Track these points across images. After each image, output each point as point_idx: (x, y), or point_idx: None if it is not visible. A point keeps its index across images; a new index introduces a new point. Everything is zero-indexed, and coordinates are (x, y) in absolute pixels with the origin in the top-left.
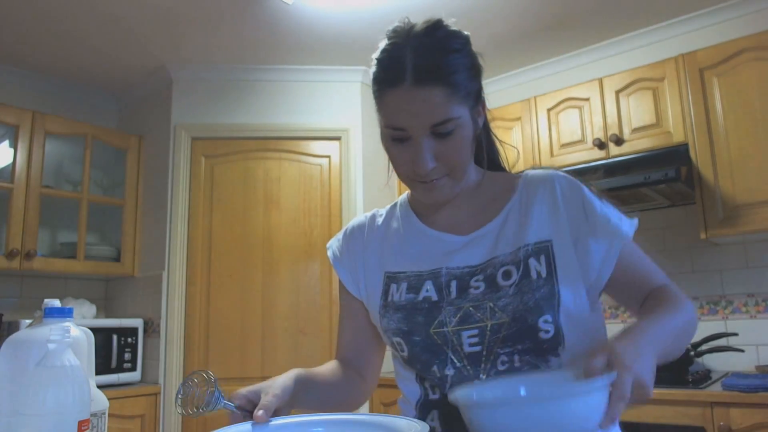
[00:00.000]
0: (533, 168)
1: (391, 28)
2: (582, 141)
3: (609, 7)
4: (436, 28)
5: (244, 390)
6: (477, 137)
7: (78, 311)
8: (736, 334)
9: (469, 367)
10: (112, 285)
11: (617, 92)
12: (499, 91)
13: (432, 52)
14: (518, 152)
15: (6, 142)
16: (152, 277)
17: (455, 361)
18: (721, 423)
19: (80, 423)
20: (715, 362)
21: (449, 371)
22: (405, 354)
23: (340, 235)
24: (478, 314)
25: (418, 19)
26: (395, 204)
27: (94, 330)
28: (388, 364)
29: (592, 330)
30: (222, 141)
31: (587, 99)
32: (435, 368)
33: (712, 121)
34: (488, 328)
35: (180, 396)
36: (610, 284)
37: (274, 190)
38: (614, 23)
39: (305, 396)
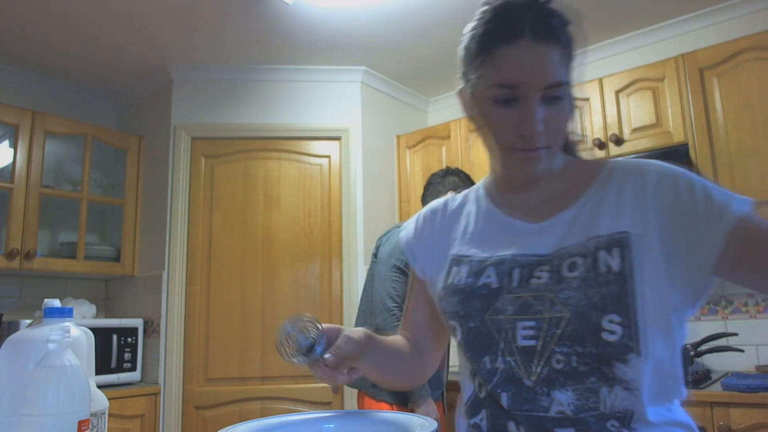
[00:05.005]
0: (620, 158)
1: None
2: (582, 141)
3: (609, 7)
4: None
5: (324, 326)
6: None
7: (78, 311)
8: (736, 334)
9: (520, 362)
10: (112, 285)
11: (617, 92)
12: None
13: (548, 12)
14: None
15: (6, 142)
16: (152, 277)
17: (506, 353)
18: (721, 423)
19: (80, 423)
20: (715, 362)
21: (500, 364)
22: (459, 338)
23: (413, 219)
24: (538, 305)
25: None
26: (471, 190)
27: (94, 330)
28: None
29: (674, 336)
30: (222, 141)
31: (587, 99)
32: (486, 359)
33: (712, 121)
34: (546, 321)
35: (289, 344)
36: (731, 270)
37: (274, 190)
38: (614, 23)
39: (370, 354)
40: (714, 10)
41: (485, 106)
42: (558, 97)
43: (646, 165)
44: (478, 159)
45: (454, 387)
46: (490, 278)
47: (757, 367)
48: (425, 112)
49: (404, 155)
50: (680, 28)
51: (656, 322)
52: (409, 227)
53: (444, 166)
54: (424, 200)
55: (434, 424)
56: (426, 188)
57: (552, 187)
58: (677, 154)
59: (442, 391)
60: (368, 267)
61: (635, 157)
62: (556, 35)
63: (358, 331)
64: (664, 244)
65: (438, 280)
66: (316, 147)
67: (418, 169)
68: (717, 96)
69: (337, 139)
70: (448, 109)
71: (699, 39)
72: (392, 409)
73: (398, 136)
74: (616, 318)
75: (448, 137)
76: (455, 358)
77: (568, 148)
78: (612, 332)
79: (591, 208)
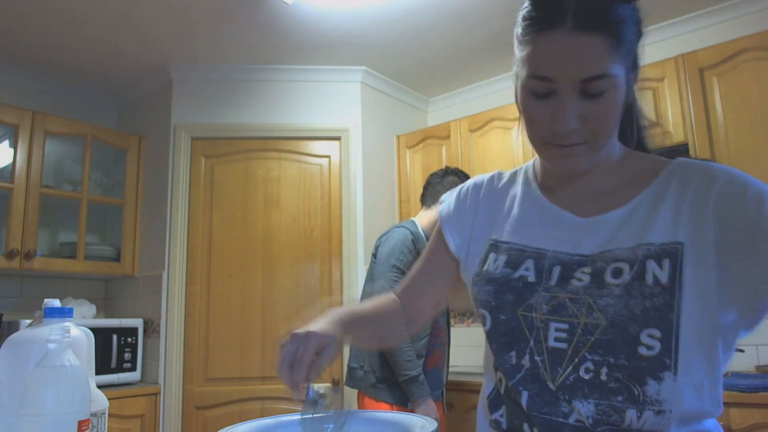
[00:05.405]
0: (688, 158)
1: None
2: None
3: None
4: None
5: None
6: (627, 106)
7: (78, 311)
8: None
9: (548, 364)
10: (112, 285)
11: None
12: (498, 91)
13: None
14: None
15: (6, 142)
16: (152, 277)
17: (535, 353)
18: (721, 423)
19: (80, 423)
20: None
21: (526, 362)
22: (487, 328)
23: (455, 191)
24: (574, 308)
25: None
26: (520, 169)
27: (94, 330)
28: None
29: (717, 357)
30: (222, 141)
31: None
32: (513, 354)
33: (712, 121)
34: (580, 326)
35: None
36: None
37: (274, 190)
38: None
39: (348, 338)
40: (714, 10)
41: (524, 97)
42: (601, 90)
43: (714, 170)
44: (478, 159)
45: (454, 387)
46: (528, 271)
47: (757, 367)
48: (425, 112)
49: (404, 155)
50: (680, 28)
51: (699, 341)
52: (449, 201)
53: (444, 166)
54: (424, 200)
55: (434, 424)
56: (425, 188)
57: (603, 181)
58: (677, 154)
59: (442, 391)
60: (368, 267)
61: None
62: (604, 22)
63: (328, 340)
64: (720, 259)
65: (473, 263)
66: (316, 147)
67: (418, 169)
68: (717, 96)
69: (337, 139)
70: (448, 109)
71: (699, 39)
72: (392, 409)
73: (398, 136)
74: (656, 333)
75: (448, 137)
76: (455, 359)
77: (636, 138)
78: (649, 347)
79: (646, 210)
